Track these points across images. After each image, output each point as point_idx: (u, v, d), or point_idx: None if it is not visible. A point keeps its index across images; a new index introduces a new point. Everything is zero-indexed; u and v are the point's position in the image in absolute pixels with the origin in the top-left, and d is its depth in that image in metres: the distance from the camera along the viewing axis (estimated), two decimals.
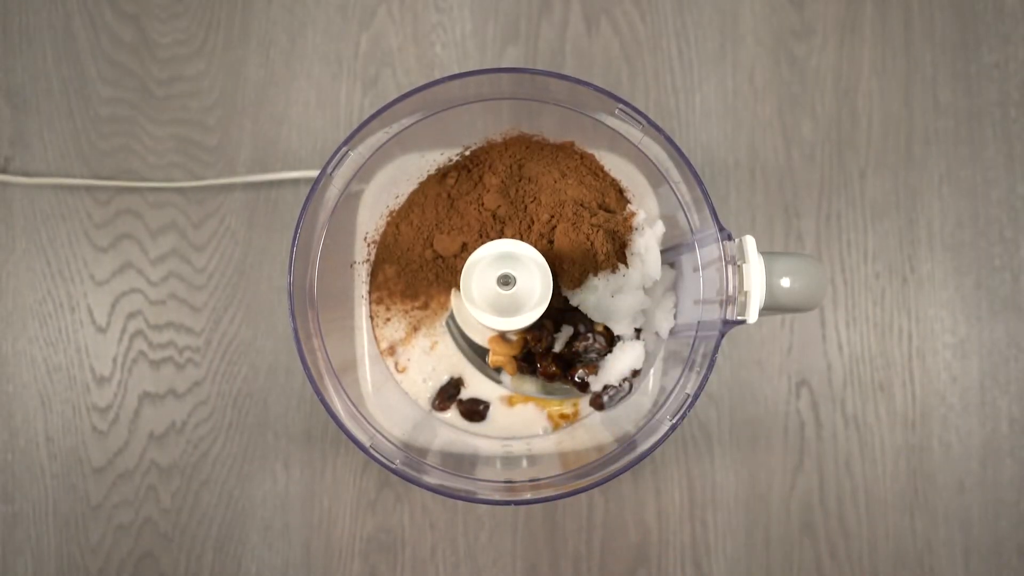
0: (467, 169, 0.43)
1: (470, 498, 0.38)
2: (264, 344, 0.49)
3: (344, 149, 0.39)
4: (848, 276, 0.50)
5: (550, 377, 0.42)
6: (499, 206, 0.41)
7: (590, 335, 0.41)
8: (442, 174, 0.43)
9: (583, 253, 0.39)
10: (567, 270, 0.39)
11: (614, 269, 0.40)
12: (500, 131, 0.43)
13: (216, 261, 0.50)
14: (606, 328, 0.41)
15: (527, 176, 0.42)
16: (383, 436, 0.39)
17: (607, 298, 0.39)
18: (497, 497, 0.38)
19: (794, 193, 0.50)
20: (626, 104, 0.37)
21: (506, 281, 0.37)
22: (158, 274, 0.50)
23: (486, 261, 0.37)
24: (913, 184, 0.50)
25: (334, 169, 0.38)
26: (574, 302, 0.40)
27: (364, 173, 0.42)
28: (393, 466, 0.37)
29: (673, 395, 0.38)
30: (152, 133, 0.50)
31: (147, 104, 0.50)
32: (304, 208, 0.38)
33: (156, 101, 0.50)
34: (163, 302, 0.49)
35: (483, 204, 0.41)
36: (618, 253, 0.40)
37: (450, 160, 0.44)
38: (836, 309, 0.49)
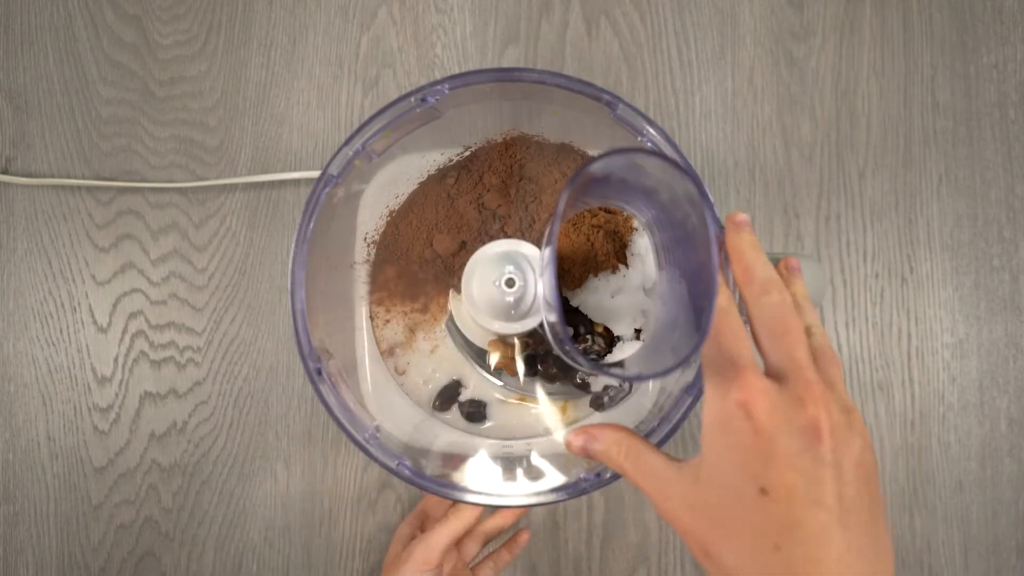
0: (467, 169, 0.42)
1: (470, 500, 0.38)
2: (265, 344, 0.49)
3: (344, 149, 0.39)
4: (847, 276, 0.49)
5: (551, 378, 0.41)
6: (499, 205, 0.40)
7: (589, 336, 0.40)
8: (442, 174, 0.43)
9: (583, 253, 0.39)
10: (567, 270, 0.39)
11: (614, 270, 0.39)
12: (500, 131, 0.43)
13: (217, 261, 0.50)
14: (606, 329, 0.41)
15: (527, 176, 0.41)
16: (383, 437, 0.39)
17: (607, 299, 0.39)
18: (496, 500, 0.38)
19: (793, 193, 0.50)
20: (626, 104, 0.37)
21: (510, 283, 0.37)
22: (159, 274, 0.49)
23: (488, 261, 0.37)
24: (912, 184, 0.50)
25: (336, 170, 0.39)
26: (574, 303, 0.40)
27: (364, 173, 0.42)
28: (393, 467, 0.37)
29: (673, 395, 0.38)
30: (153, 134, 0.50)
31: (148, 105, 0.50)
32: (305, 208, 0.38)
33: (157, 102, 0.50)
34: (164, 302, 0.49)
35: (483, 203, 0.41)
36: (618, 253, 0.40)
37: (450, 160, 0.44)
38: (835, 309, 0.49)
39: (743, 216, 0.28)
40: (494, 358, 0.41)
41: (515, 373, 0.42)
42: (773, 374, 0.26)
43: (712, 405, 0.26)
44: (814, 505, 0.24)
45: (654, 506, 0.27)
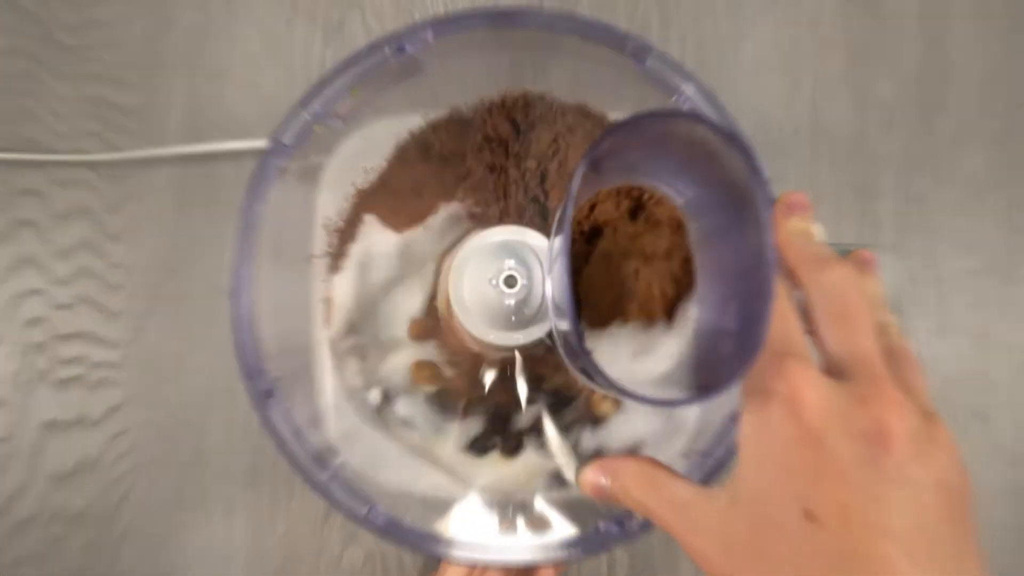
0: (455, 137, 0.42)
1: (458, 556, 0.38)
2: (199, 359, 0.49)
3: (300, 112, 0.39)
4: (937, 273, 0.49)
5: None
6: (496, 183, 0.40)
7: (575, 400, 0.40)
8: (423, 144, 0.43)
9: (623, 281, 0.37)
10: (594, 300, 0.37)
11: (652, 320, 0.36)
12: (498, 90, 0.43)
13: (138, 254, 0.49)
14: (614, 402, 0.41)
15: (533, 146, 0.41)
16: (350, 476, 0.39)
17: (626, 357, 0.37)
18: (492, 555, 0.38)
19: (868, 168, 0.49)
20: (657, 55, 0.37)
21: (510, 281, 0.37)
22: (65, 271, 0.49)
23: (483, 253, 0.37)
24: (1019, 157, 0.50)
25: (289, 138, 0.39)
26: (587, 345, 0.39)
27: (325, 143, 0.43)
28: (363, 514, 0.37)
29: (714, 425, 0.38)
30: (58, 92, 0.50)
31: (52, 56, 0.50)
32: (251, 187, 0.38)
33: (64, 52, 0.50)
34: (71, 306, 0.49)
35: (476, 180, 0.41)
36: (669, 302, 0.37)
37: (434, 126, 0.44)
38: (922, 316, 0.49)
39: (798, 196, 0.28)
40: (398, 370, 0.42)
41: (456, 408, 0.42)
42: (831, 370, 0.26)
43: (749, 408, 0.25)
44: (874, 532, 0.23)
45: (682, 546, 0.27)
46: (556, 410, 0.42)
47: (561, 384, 0.42)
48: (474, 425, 0.43)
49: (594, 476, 0.30)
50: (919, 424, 0.24)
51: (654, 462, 0.29)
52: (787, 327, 0.26)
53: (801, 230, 0.27)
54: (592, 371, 0.26)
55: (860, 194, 0.49)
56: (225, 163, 0.49)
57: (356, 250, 0.44)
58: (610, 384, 0.25)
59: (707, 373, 0.28)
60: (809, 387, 0.24)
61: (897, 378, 0.25)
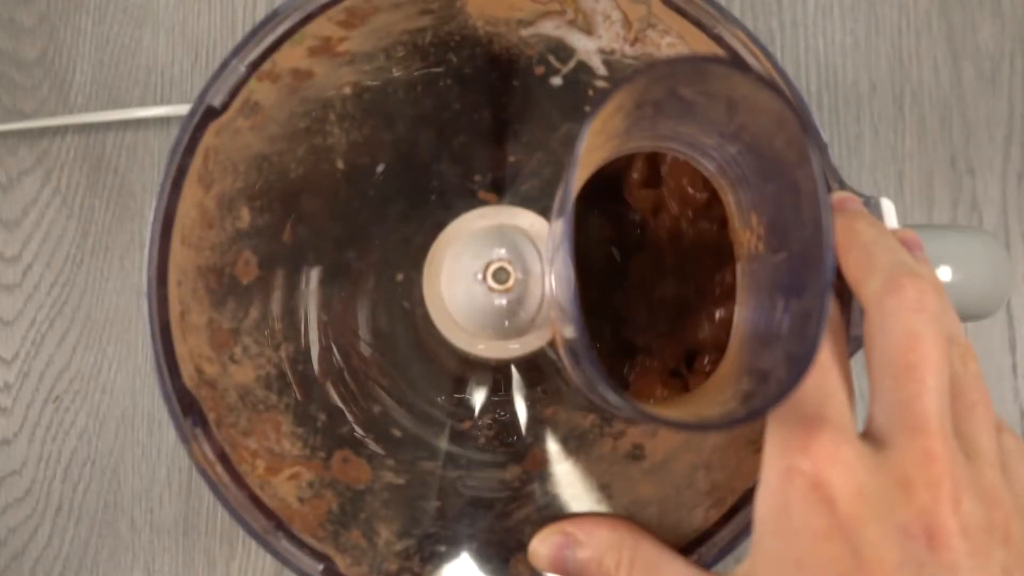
0: (429, 85, 0.40)
1: None
2: (114, 378, 0.48)
3: (234, 62, 0.38)
4: None
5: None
6: (486, 148, 0.39)
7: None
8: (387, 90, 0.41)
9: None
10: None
11: None
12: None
13: (38, 246, 0.49)
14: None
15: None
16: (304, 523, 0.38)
17: None
18: None
19: (966, 135, 0.48)
20: None
21: (500, 276, 0.37)
22: None
23: (466, 241, 0.37)
24: None
25: (219, 98, 0.38)
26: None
27: None
28: (317, 572, 0.37)
29: None
30: None
31: None
32: (169, 163, 0.37)
33: None
34: None
35: (456, 146, 0.40)
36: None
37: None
38: None
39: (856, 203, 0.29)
40: None
41: None
42: (874, 435, 0.26)
43: (768, 482, 0.26)
44: None
45: None
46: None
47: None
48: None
49: (546, 546, 0.31)
50: (976, 512, 0.25)
51: (635, 530, 0.30)
52: (824, 381, 0.26)
53: (869, 220, 0.28)
54: (602, 388, 0.25)
55: (955, 168, 0.49)
56: (147, 131, 0.49)
57: None
58: (627, 406, 0.25)
59: (752, 384, 0.28)
60: (840, 469, 0.25)
61: (957, 441, 0.26)
